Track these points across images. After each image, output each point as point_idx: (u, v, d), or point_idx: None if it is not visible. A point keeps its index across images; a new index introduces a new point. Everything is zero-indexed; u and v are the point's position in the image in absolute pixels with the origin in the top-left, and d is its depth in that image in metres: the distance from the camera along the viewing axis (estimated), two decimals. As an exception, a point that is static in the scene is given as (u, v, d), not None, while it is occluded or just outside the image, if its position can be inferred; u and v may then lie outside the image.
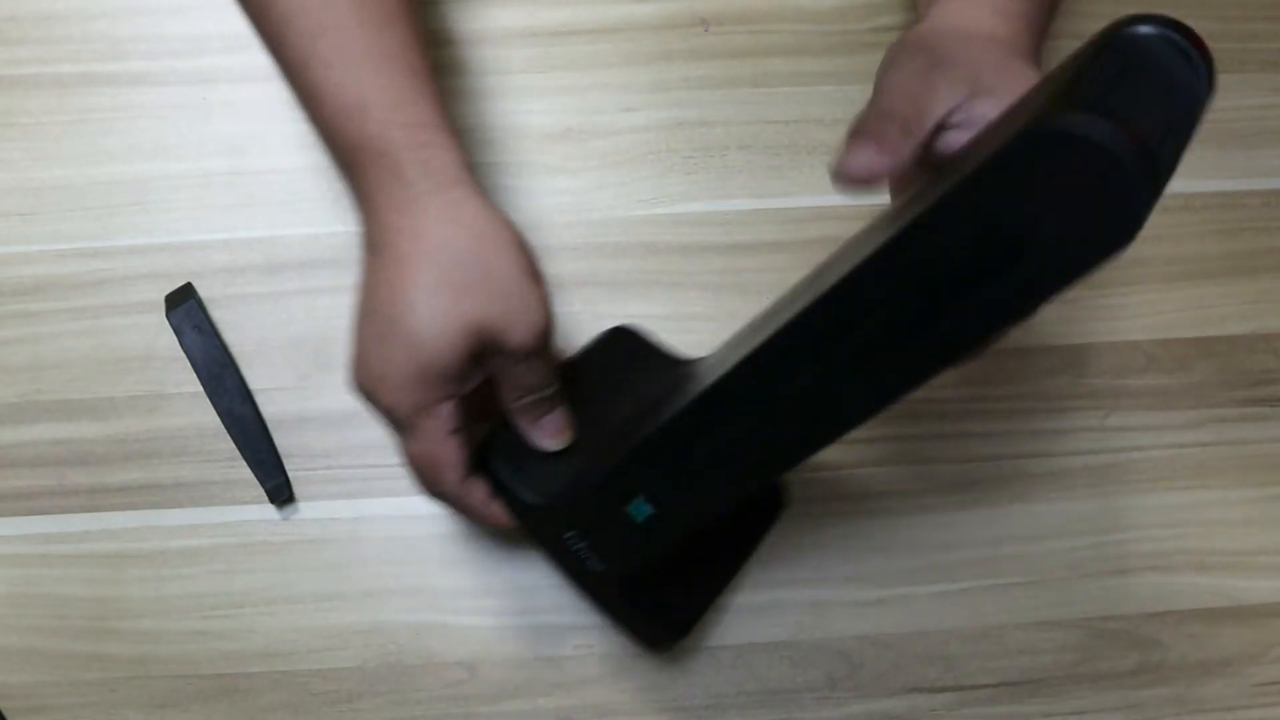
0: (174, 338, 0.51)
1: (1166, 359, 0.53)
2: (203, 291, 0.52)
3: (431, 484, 0.41)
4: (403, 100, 0.40)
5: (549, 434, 0.42)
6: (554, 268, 0.53)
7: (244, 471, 0.50)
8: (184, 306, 0.51)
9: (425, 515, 0.50)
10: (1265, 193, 0.56)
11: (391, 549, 0.49)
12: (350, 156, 0.40)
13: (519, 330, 0.39)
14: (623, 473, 0.40)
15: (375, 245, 0.40)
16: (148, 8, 0.57)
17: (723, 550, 0.48)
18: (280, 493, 0.49)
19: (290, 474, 0.50)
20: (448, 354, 0.38)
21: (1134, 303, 0.54)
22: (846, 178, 0.36)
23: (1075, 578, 0.50)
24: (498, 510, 0.42)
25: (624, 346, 0.47)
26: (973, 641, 0.49)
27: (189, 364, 0.51)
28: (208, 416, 0.51)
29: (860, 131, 0.36)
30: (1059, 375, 0.53)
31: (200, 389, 0.51)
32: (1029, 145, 0.25)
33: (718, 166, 0.55)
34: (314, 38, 0.40)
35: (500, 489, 0.42)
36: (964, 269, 0.28)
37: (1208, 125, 0.60)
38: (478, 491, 0.42)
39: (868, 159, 0.35)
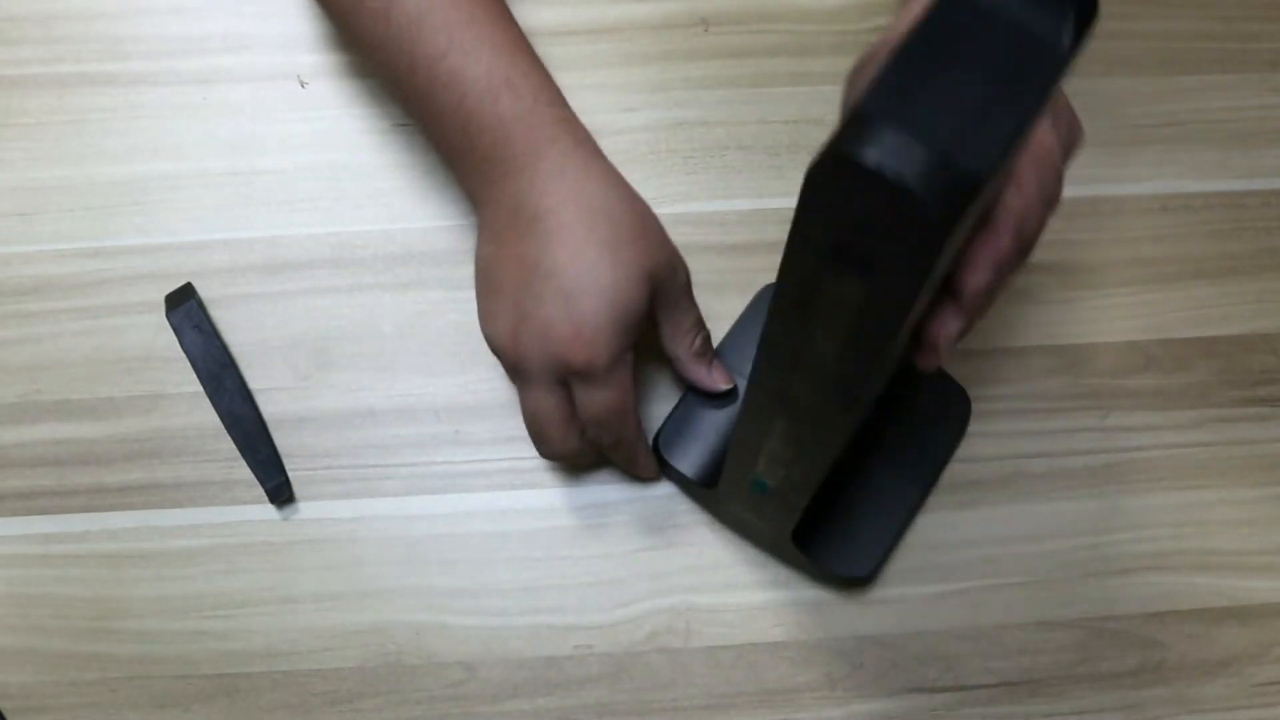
0: (174, 338, 0.51)
1: (1166, 359, 0.53)
2: (203, 291, 0.52)
3: (619, 430, 0.44)
4: (543, 82, 0.44)
5: (722, 376, 0.48)
6: (554, 268, 0.53)
7: (244, 471, 0.50)
8: (184, 306, 0.51)
9: (425, 515, 0.50)
10: (1265, 193, 0.56)
11: (391, 549, 0.49)
12: (497, 138, 0.43)
13: (675, 274, 0.44)
14: (732, 458, 0.42)
15: (532, 214, 0.42)
16: (148, 8, 0.57)
17: (904, 472, 0.50)
18: (280, 493, 0.49)
19: (290, 474, 0.50)
20: (637, 300, 0.41)
21: (1134, 303, 0.54)
22: None
23: (1075, 578, 0.50)
24: (652, 467, 0.49)
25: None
26: (973, 641, 0.49)
27: (189, 364, 0.51)
28: (208, 416, 0.51)
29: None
30: (1059, 375, 0.53)
31: (200, 389, 0.51)
32: (822, 173, 0.23)
33: (718, 166, 0.55)
34: (449, 30, 0.43)
35: (670, 471, 0.49)
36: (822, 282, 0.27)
37: (1208, 125, 0.60)
38: (646, 451, 0.48)
39: None
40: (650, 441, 0.49)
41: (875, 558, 0.48)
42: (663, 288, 0.43)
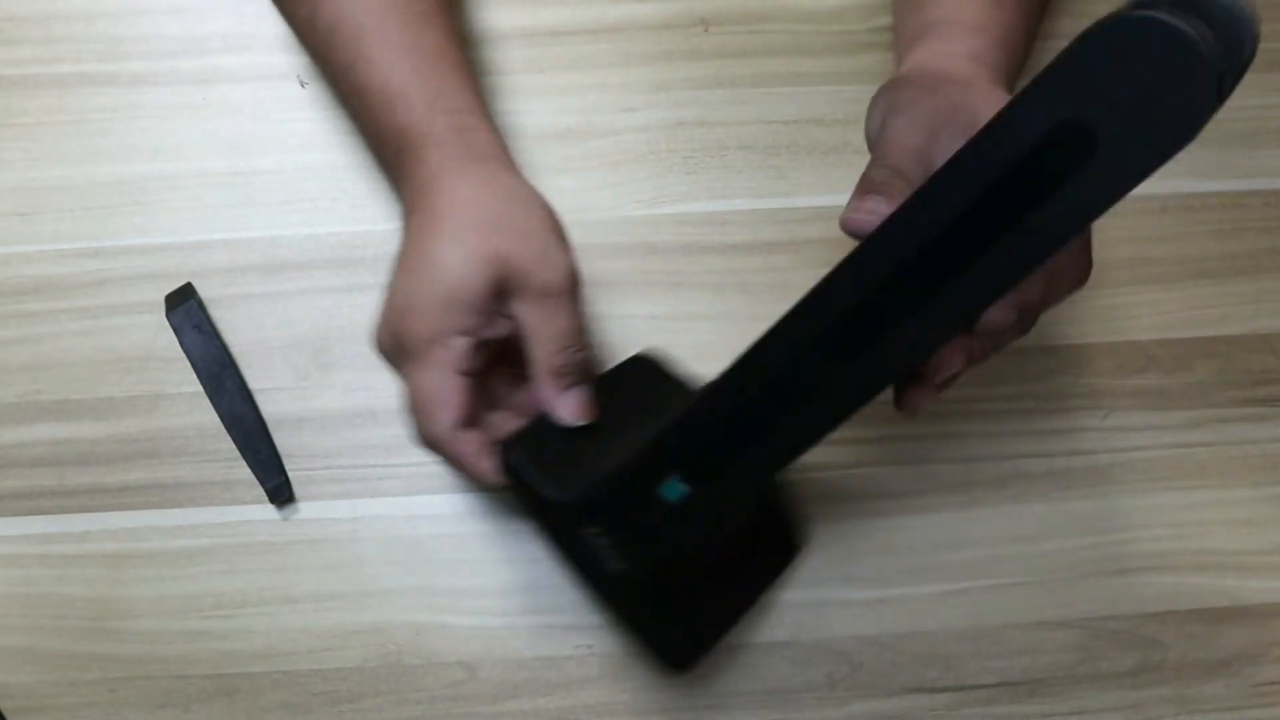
0: (174, 338, 0.51)
1: (1166, 359, 0.53)
2: (203, 291, 0.52)
3: (425, 423, 0.41)
4: (443, 89, 0.43)
5: (574, 407, 0.42)
6: (554, 268, 0.53)
7: (244, 471, 0.50)
8: (184, 306, 0.51)
9: (425, 515, 0.50)
10: (1265, 193, 0.56)
11: (391, 549, 0.49)
12: (395, 143, 0.43)
13: (544, 268, 0.41)
14: (659, 450, 0.39)
15: (412, 206, 0.42)
16: (148, 8, 0.57)
17: (736, 585, 0.48)
18: (280, 493, 0.49)
19: (290, 474, 0.50)
20: (469, 280, 0.40)
21: (1134, 303, 0.54)
22: (857, 229, 0.36)
23: (1075, 578, 0.50)
24: (488, 466, 0.41)
25: (645, 373, 0.47)
26: (973, 641, 0.49)
27: (189, 364, 0.51)
28: (208, 416, 0.51)
29: (870, 186, 0.37)
30: (1059, 375, 0.53)
31: (200, 389, 0.51)
32: (1109, 33, 0.26)
33: (718, 166, 0.55)
34: (357, 40, 0.43)
35: (521, 486, 0.41)
36: (1036, 174, 0.29)
37: (1208, 125, 0.60)
38: (471, 443, 0.41)
39: (878, 212, 0.35)
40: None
41: (703, 645, 0.45)
42: (521, 281, 0.40)
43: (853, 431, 0.51)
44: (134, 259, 0.53)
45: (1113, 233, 0.55)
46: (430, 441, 0.42)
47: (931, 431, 0.52)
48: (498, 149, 0.44)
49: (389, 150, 0.44)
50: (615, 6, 0.57)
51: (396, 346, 0.41)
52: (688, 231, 0.54)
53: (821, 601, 0.49)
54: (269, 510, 0.50)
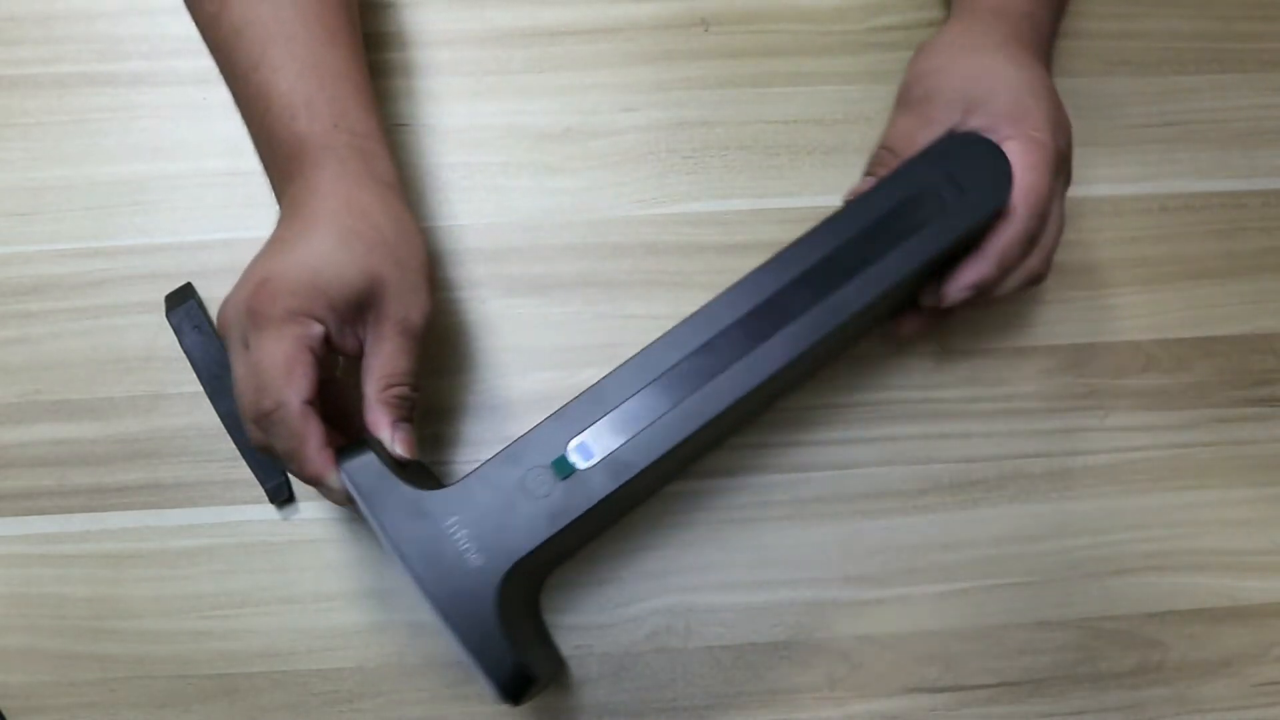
0: (174, 338, 0.51)
1: (1166, 359, 0.53)
2: (203, 291, 0.52)
3: (272, 393, 0.38)
4: (348, 109, 0.43)
5: (404, 442, 0.42)
6: (554, 268, 0.53)
7: (244, 471, 0.50)
8: (184, 306, 0.51)
9: (425, 515, 0.50)
10: (1265, 193, 0.56)
11: (391, 549, 0.49)
12: (292, 149, 0.42)
13: (410, 305, 0.41)
14: (563, 420, 0.40)
15: (299, 203, 0.41)
16: (148, 8, 0.57)
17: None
18: (280, 493, 0.49)
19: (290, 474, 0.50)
20: (344, 279, 0.40)
21: (1134, 303, 0.54)
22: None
23: (1075, 578, 0.50)
24: (326, 461, 0.39)
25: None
26: (973, 641, 0.49)
27: (189, 364, 0.51)
28: (208, 416, 0.51)
29: (869, 167, 0.45)
30: (1059, 375, 0.53)
31: (200, 389, 0.51)
32: (962, 139, 0.44)
33: (718, 166, 0.55)
34: (264, 45, 0.43)
35: (371, 482, 0.39)
36: (903, 220, 0.43)
37: (1208, 125, 0.61)
38: (316, 434, 0.39)
39: None
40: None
41: (540, 678, 0.40)
42: (385, 309, 0.41)
43: (853, 431, 0.51)
44: (134, 259, 0.53)
45: (1113, 233, 0.55)
46: (272, 414, 0.39)
47: (931, 431, 0.52)
48: (395, 178, 0.44)
49: (281, 154, 0.43)
50: (615, 6, 0.57)
51: (248, 314, 0.39)
52: (688, 231, 0.54)
53: (821, 601, 0.49)
54: (269, 510, 0.50)
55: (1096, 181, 0.56)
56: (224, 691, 0.48)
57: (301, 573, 0.49)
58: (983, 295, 0.45)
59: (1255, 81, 0.58)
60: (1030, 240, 0.44)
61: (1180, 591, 0.50)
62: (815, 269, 0.42)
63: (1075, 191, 0.56)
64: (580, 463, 0.40)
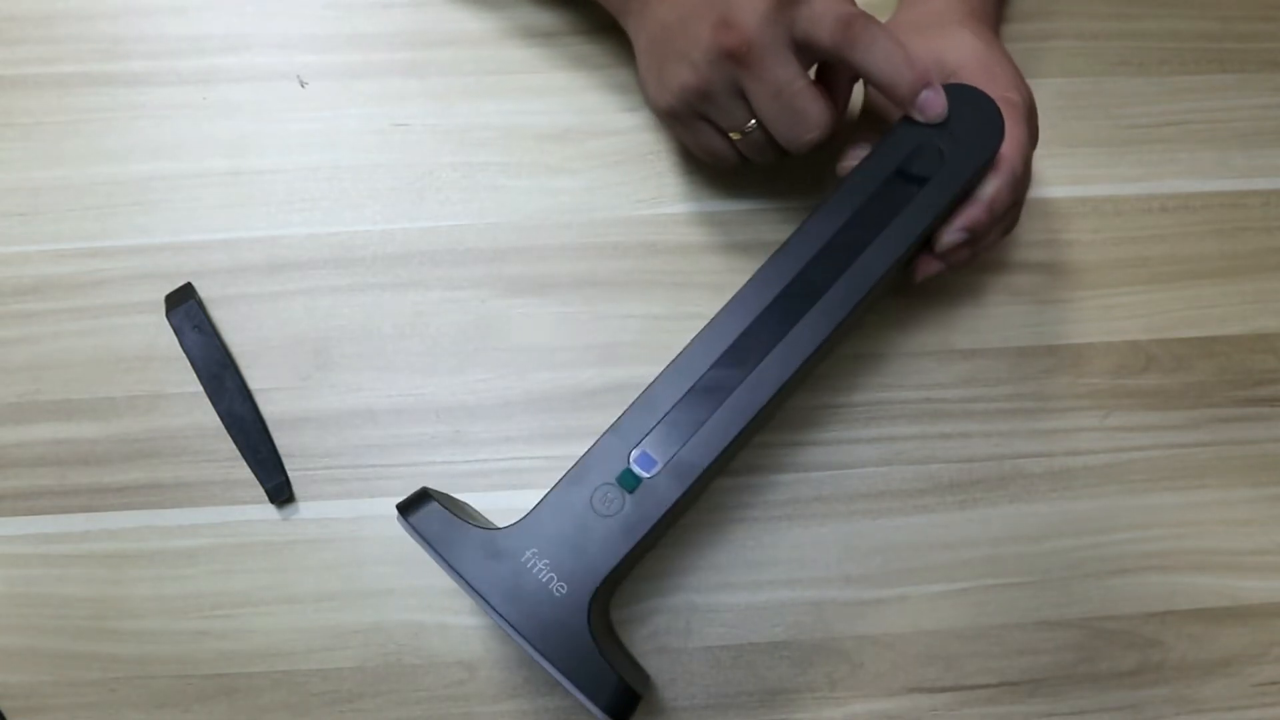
0: (174, 338, 0.51)
1: (1166, 359, 0.53)
2: (203, 291, 0.52)
3: (811, 107, 0.43)
4: None
5: (939, 101, 0.44)
6: (554, 268, 0.53)
7: (244, 471, 0.50)
8: (184, 306, 0.51)
9: (425, 515, 0.50)
10: (1265, 193, 0.56)
11: (391, 549, 0.49)
12: None
13: None
14: (624, 428, 0.40)
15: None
16: (148, 8, 0.57)
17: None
18: (280, 493, 0.49)
19: (290, 474, 0.50)
20: None
21: (1134, 303, 0.54)
22: (840, 174, 0.47)
23: (1075, 578, 0.50)
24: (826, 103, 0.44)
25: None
26: (973, 641, 0.49)
27: (189, 364, 0.51)
28: (208, 416, 0.51)
29: (857, 138, 0.47)
30: (1059, 375, 0.53)
31: (200, 389, 0.51)
32: (954, 92, 0.45)
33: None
34: None
35: (441, 530, 0.39)
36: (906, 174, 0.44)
37: (1208, 125, 0.61)
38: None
39: (858, 157, 0.46)
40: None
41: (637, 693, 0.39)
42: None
43: (853, 431, 0.51)
44: (134, 259, 0.53)
45: (1113, 233, 0.55)
46: (781, 96, 0.43)
47: (931, 431, 0.52)
48: None
49: None
50: (615, 6, 0.57)
51: (712, 49, 0.42)
52: (688, 231, 0.54)
53: (821, 601, 0.49)
54: (269, 510, 0.50)
55: (1096, 181, 0.56)
56: (224, 691, 0.48)
57: (301, 573, 0.49)
58: (974, 242, 0.47)
59: (1255, 81, 0.58)
60: (1016, 186, 0.46)
61: (1180, 591, 0.50)
62: (835, 241, 0.43)
63: (1075, 191, 0.56)
64: (644, 473, 0.40)
